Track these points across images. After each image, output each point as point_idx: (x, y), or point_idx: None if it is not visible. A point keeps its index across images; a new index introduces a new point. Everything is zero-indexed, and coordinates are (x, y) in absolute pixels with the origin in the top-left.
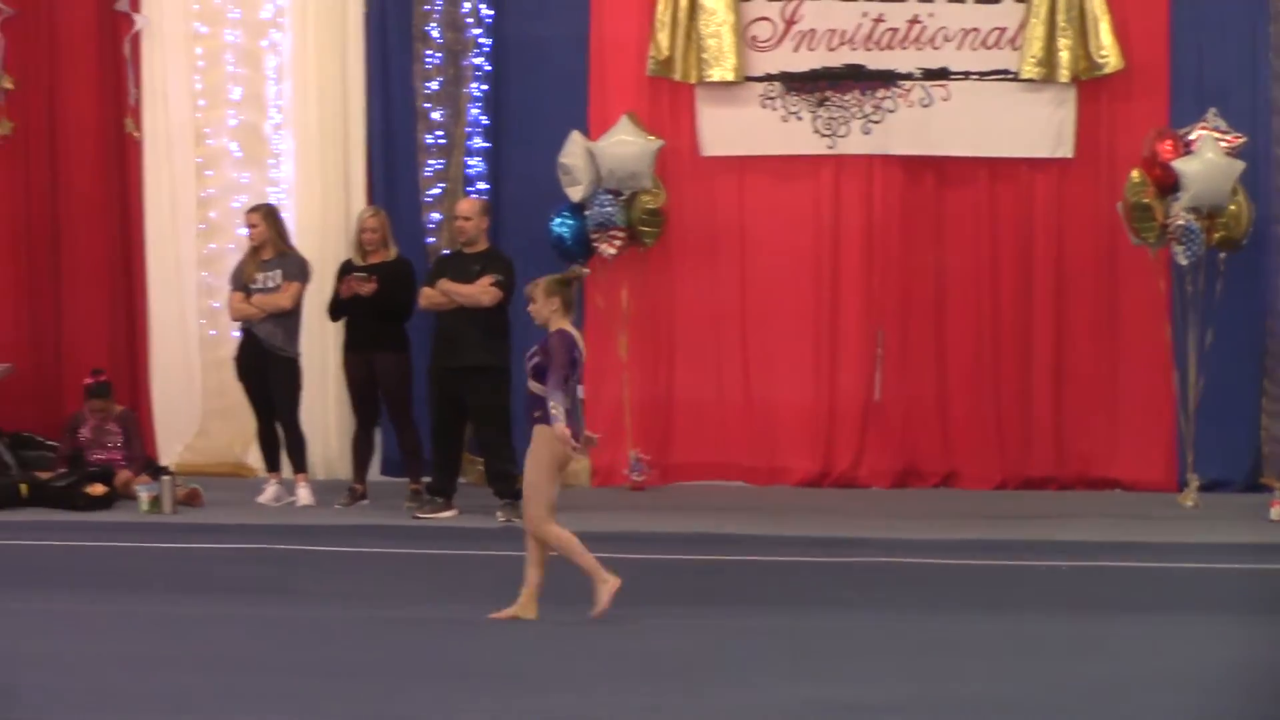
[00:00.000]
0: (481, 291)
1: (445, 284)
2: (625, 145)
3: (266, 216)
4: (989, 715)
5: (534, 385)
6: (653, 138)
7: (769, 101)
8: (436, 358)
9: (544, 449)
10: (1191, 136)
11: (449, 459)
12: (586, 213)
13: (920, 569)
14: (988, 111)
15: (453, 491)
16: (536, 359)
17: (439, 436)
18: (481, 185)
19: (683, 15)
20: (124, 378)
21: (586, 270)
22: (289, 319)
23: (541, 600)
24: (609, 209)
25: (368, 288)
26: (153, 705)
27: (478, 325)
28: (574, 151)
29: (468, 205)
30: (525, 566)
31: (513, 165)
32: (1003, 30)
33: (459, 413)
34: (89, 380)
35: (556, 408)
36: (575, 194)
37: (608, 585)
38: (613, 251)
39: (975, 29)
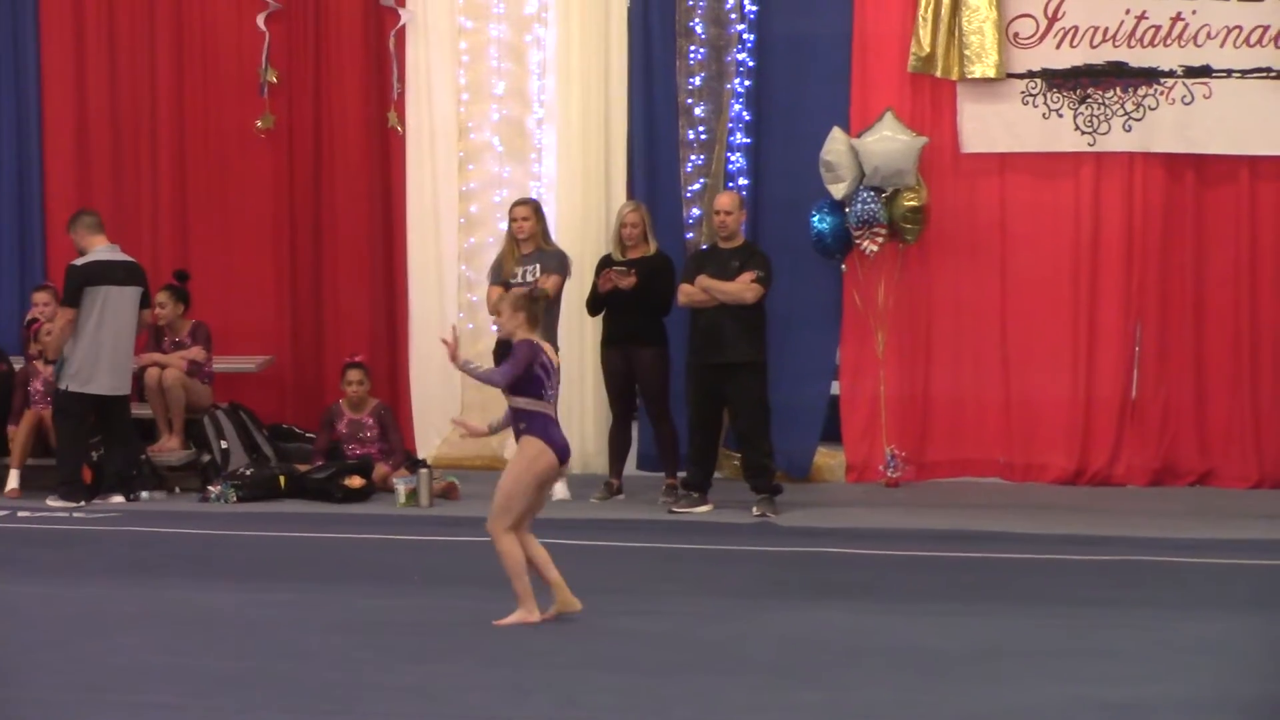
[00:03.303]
0: (744, 288)
1: (707, 281)
2: (890, 142)
3: (536, 211)
4: (1269, 716)
5: (512, 400)
6: (916, 135)
7: (1030, 98)
8: (695, 353)
9: (529, 463)
10: None
11: (706, 454)
12: (848, 209)
13: (1178, 567)
14: (1249, 110)
15: (709, 486)
16: (513, 379)
17: (696, 431)
18: (742, 181)
19: (945, 11)
20: (383, 371)
21: (549, 291)
22: (548, 313)
23: (784, 594)
24: (872, 205)
25: (627, 281)
26: (403, 697)
27: (737, 321)
28: (836, 148)
29: (728, 199)
30: (538, 572)
31: (773, 161)
32: (1266, 28)
33: (717, 408)
34: (346, 359)
35: (479, 369)
36: (838, 191)
37: (530, 616)
38: (874, 248)
39: (1238, 26)
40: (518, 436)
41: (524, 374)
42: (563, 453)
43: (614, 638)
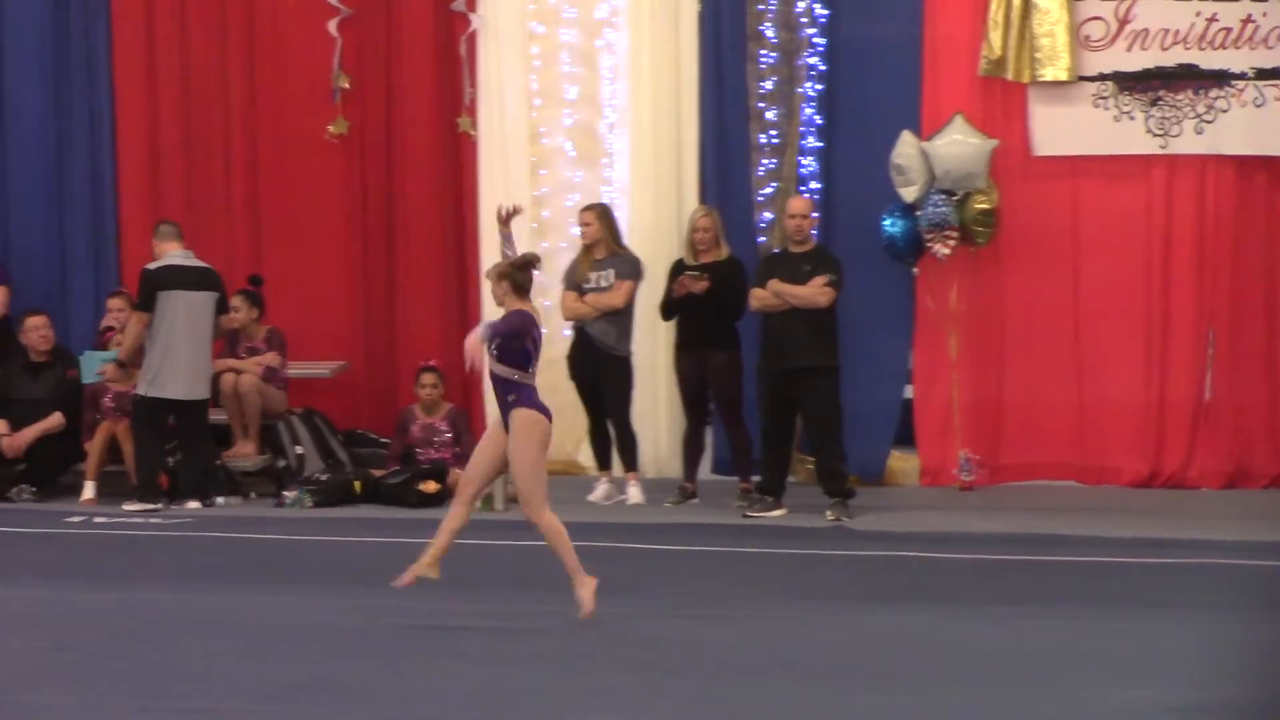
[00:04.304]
0: (817, 293)
1: (779, 285)
2: (960, 145)
3: (601, 216)
4: None
5: (499, 368)
6: (987, 138)
7: (1101, 101)
8: (767, 358)
9: (526, 433)
10: None
11: (779, 458)
12: (919, 213)
13: (1252, 571)
14: None
15: (782, 490)
16: (498, 340)
17: (769, 435)
18: (814, 185)
19: (1015, 15)
20: (456, 375)
21: (537, 257)
22: (621, 318)
23: (858, 598)
24: (943, 209)
25: (700, 286)
26: (468, 701)
27: (809, 325)
28: (907, 152)
29: (800, 204)
30: (439, 531)
31: (844, 165)
32: None
33: (790, 412)
34: (420, 364)
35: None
36: (909, 194)
37: (587, 587)
38: (946, 251)
39: None
40: (506, 410)
41: (514, 343)
42: (549, 417)
43: (686, 642)
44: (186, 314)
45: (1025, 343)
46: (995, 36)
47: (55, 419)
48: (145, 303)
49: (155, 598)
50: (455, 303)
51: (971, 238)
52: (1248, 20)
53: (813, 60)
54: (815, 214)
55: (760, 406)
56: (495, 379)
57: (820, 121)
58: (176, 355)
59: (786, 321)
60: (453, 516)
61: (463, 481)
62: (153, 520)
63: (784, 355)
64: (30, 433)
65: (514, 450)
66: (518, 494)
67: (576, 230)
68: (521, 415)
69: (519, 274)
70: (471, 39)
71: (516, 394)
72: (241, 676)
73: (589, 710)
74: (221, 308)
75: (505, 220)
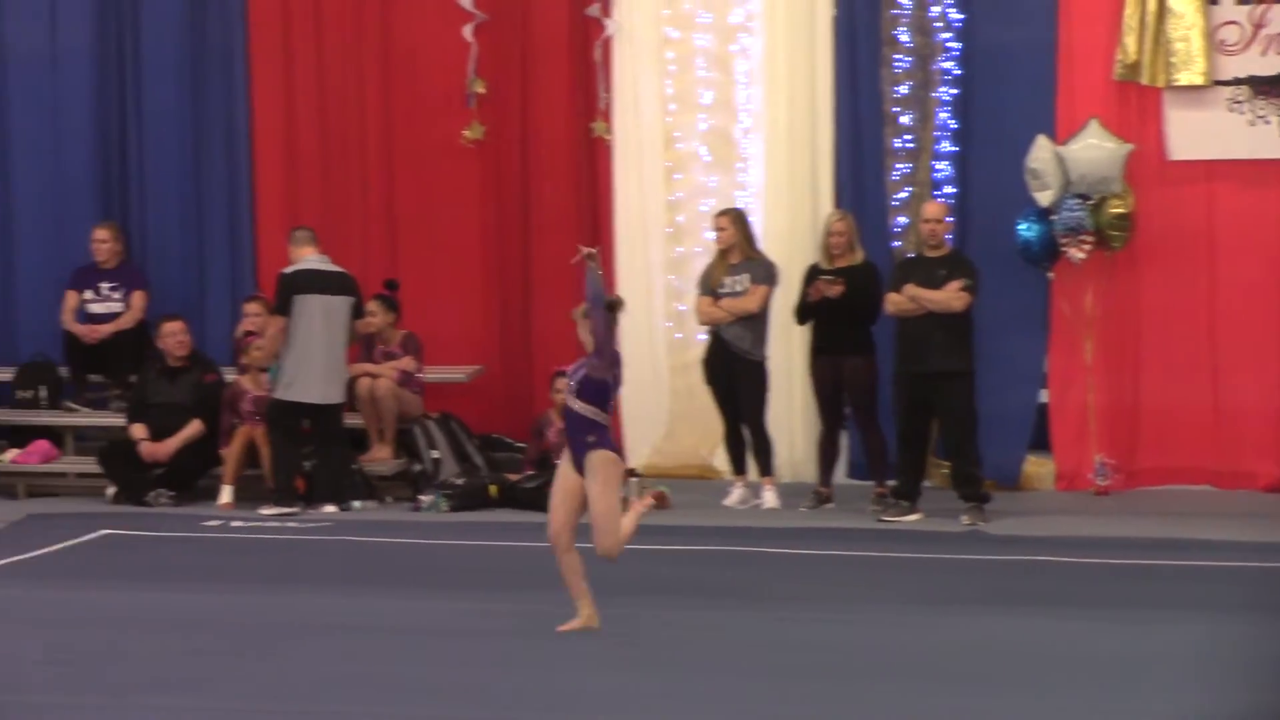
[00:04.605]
0: (953, 297)
1: (914, 290)
2: (1095, 150)
3: (735, 220)
4: None
5: (580, 405)
6: (1122, 142)
7: (1236, 105)
8: (903, 362)
9: (607, 473)
10: None
11: (915, 462)
12: (1054, 217)
13: None
14: None
15: (918, 495)
16: (583, 373)
17: (905, 440)
18: (948, 189)
19: (1151, 19)
20: None
21: (622, 300)
22: (757, 322)
23: (994, 602)
24: (1078, 213)
25: (835, 290)
26: (603, 705)
27: (945, 330)
28: (1042, 156)
29: (935, 208)
30: (569, 585)
31: (979, 169)
32: None
33: (925, 416)
34: (556, 369)
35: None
36: (1044, 199)
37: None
38: (1081, 256)
39: None
40: (583, 449)
41: (606, 371)
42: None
43: (820, 646)
44: (322, 318)
45: (1161, 347)
46: (1130, 41)
47: (195, 427)
48: (282, 307)
49: (291, 601)
50: None
51: (1107, 242)
52: None
53: (947, 65)
54: (950, 218)
55: (895, 411)
56: (573, 417)
57: (955, 126)
58: (312, 359)
59: (922, 326)
60: (567, 564)
61: (553, 536)
62: (289, 524)
63: (919, 359)
64: (173, 443)
65: (595, 490)
66: (595, 532)
67: (711, 235)
68: (601, 456)
69: (608, 315)
70: (606, 44)
71: (597, 435)
72: (378, 680)
73: (722, 714)
74: (357, 312)
75: (591, 257)
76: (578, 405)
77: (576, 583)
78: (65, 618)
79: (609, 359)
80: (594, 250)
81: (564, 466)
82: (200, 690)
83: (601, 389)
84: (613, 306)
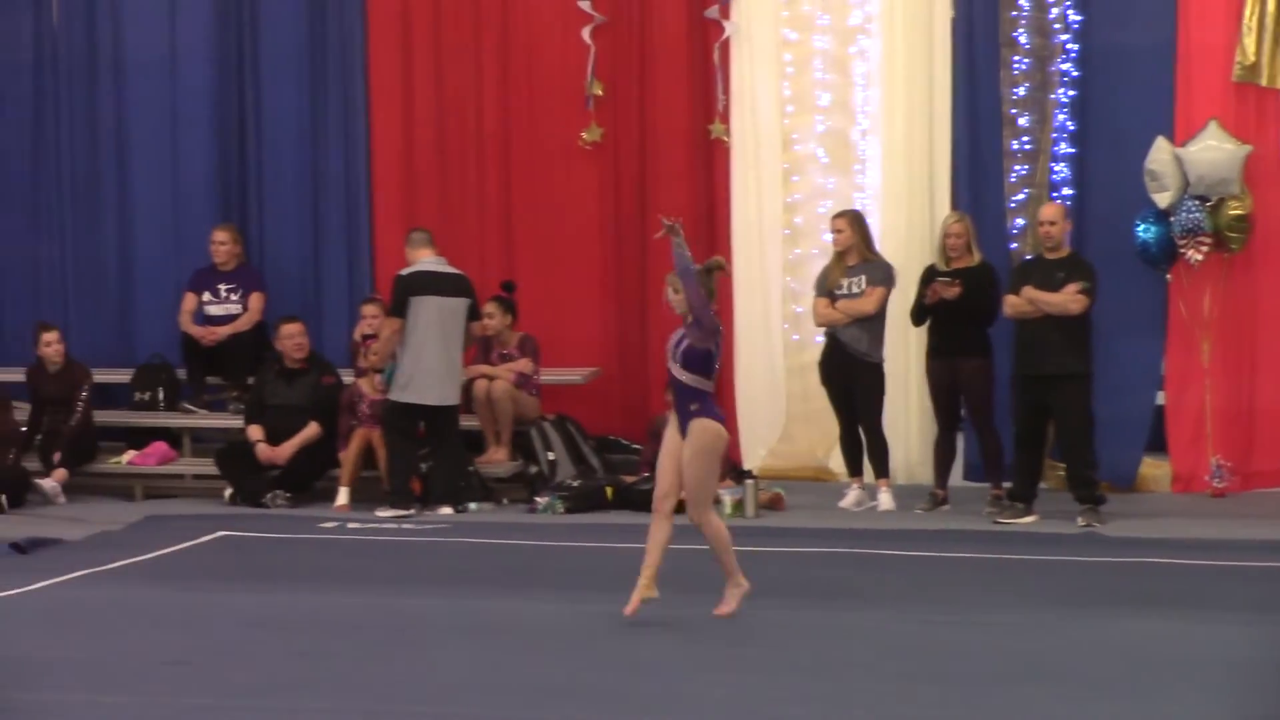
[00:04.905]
0: (1070, 300)
1: (1032, 292)
2: (1214, 151)
3: (853, 222)
4: None
5: (684, 375)
6: (1240, 143)
7: None
8: (1020, 364)
9: (711, 450)
10: None
11: (1031, 464)
12: (1172, 219)
13: None
14: None
15: (1034, 497)
16: (685, 343)
17: (1021, 442)
18: (1066, 191)
19: (1270, 20)
20: None
21: (723, 261)
22: (873, 324)
23: (1110, 604)
24: (1196, 215)
25: (952, 291)
26: (718, 708)
27: (1062, 332)
28: (1161, 158)
29: (1052, 210)
30: (648, 550)
31: (1097, 171)
32: None
33: (1042, 419)
34: None
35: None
36: (1162, 200)
37: (740, 587)
38: (1199, 257)
39: None
40: (687, 417)
41: (707, 340)
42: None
43: (937, 648)
44: (439, 320)
45: (1278, 348)
46: (1249, 42)
47: (313, 429)
48: (398, 308)
49: (407, 603)
50: None
51: (1225, 243)
52: None
53: (1066, 66)
54: (1067, 220)
55: (1012, 412)
56: (678, 386)
57: (1073, 127)
58: (429, 361)
59: (1039, 328)
60: (657, 530)
61: (659, 496)
62: (405, 526)
63: (1036, 361)
64: (290, 446)
65: (691, 456)
66: (685, 496)
67: (828, 236)
68: (703, 425)
69: (706, 278)
70: (725, 46)
71: (700, 403)
72: (497, 680)
73: (827, 714)
74: (474, 314)
75: (674, 229)
76: (682, 375)
77: (653, 550)
78: (183, 619)
79: (709, 327)
80: (676, 222)
81: (670, 431)
82: (318, 692)
83: (705, 358)
84: (710, 269)
